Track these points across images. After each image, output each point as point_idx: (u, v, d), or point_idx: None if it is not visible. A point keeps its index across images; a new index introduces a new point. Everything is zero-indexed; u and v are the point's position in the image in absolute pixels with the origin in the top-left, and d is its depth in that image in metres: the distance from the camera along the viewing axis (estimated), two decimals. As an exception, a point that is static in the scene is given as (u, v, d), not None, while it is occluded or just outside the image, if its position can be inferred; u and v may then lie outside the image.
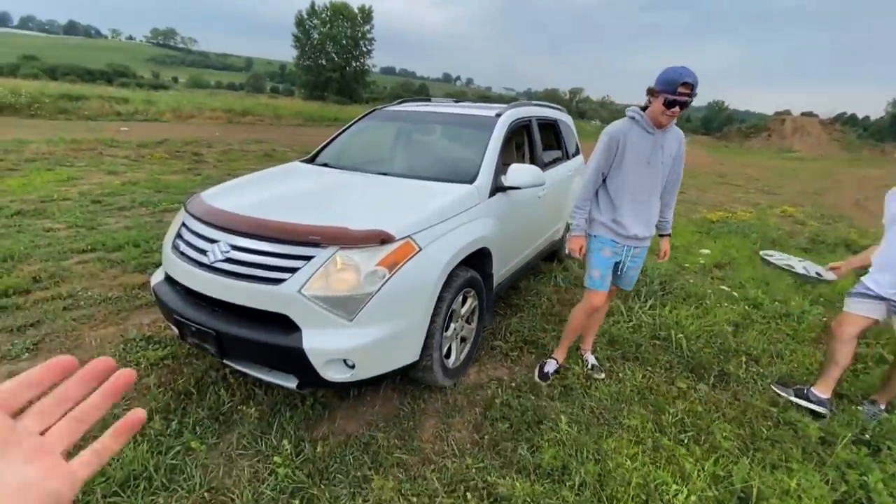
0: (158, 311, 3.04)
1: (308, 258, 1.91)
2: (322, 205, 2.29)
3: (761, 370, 2.89)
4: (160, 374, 2.47)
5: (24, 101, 18.73)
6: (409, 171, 2.86)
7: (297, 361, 1.88)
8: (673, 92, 2.05)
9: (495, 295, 2.96)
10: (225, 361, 2.06)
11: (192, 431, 2.02)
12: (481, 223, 2.56)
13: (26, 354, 2.61)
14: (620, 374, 2.69)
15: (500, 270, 2.96)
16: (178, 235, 2.32)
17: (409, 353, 2.10)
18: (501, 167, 2.92)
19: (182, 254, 2.18)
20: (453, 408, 2.33)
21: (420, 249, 2.07)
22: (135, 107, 21.13)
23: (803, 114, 51.60)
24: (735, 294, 4.10)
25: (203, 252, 2.08)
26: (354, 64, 50.15)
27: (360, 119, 3.63)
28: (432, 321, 2.16)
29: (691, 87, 2.04)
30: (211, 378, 2.41)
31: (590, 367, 2.77)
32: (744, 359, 2.98)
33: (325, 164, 3.14)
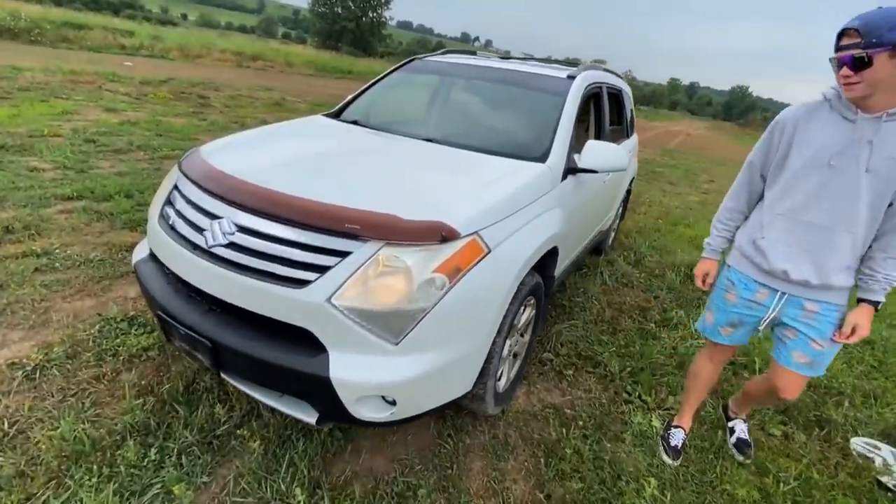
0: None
1: (342, 254, 1.38)
2: (358, 178, 1.72)
3: (857, 413, 2.42)
4: (142, 371, 1.99)
5: (25, 25, 17.75)
6: (462, 140, 2.28)
7: (319, 392, 1.39)
8: (835, 48, 1.37)
9: (552, 295, 2.45)
10: (222, 376, 1.58)
11: (176, 464, 1.55)
12: (554, 215, 2.02)
13: (-21, 330, 2.13)
14: (702, 413, 2.22)
15: (559, 270, 2.45)
16: (168, 202, 1.78)
17: (462, 384, 1.62)
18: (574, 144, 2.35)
19: (171, 228, 1.66)
20: (504, 446, 1.87)
21: (489, 251, 1.54)
22: (140, 41, 20.09)
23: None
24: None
25: (199, 230, 1.55)
26: (371, 14, 47.72)
27: (396, 69, 3.00)
28: (494, 342, 1.66)
29: (857, 34, 1.30)
30: (204, 383, 1.94)
31: (733, 440, 2.05)
32: (837, 398, 2.51)
33: (355, 122, 2.54)
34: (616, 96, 3.67)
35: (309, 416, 1.47)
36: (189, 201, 1.67)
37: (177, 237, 1.61)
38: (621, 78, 4.05)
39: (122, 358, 2.05)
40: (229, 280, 1.43)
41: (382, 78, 2.98)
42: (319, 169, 1.77)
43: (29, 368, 1.94)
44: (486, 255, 1.53)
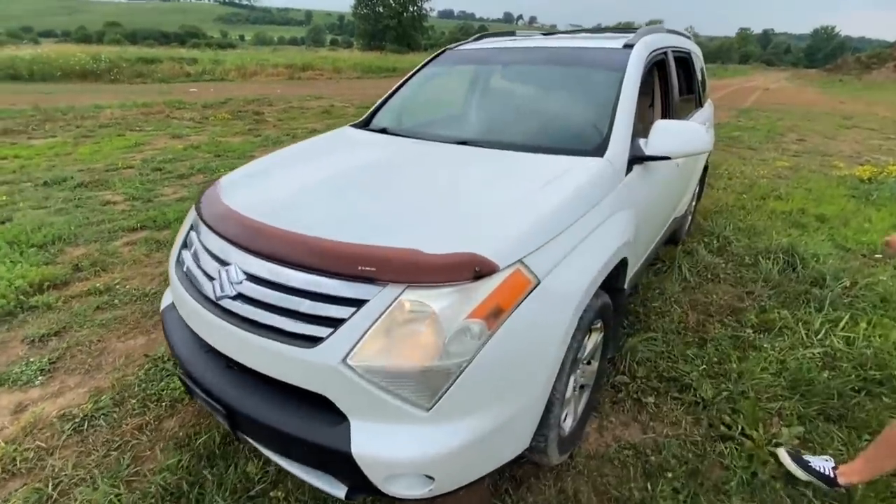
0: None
1: (358, 303, 1.15)
2: (379, 203, 1.47)
3: None
4: (183, 418, 1.92)
5: (105, 66, 19.53)
6: (503, 139, 1.97)
7: (342, 468, 1.18)
8: None
9: (623, 310, 2.08)
10: (242, 438, 1.42)
11: (207, 535, 1.43)
12: (620, 220, 1.66)
13: (39, 379, 2.17)
14: (826, 447, 1.76)
15: (630, 276, 2.07)
16: (185, 244, 1.66)
17: (516, 445, 1.34)
18: (638, 126, 1.96)
19: (186, 275, 1.52)
20: None
21: (538, 282, 1.24)
22: (202, 67, 21.47)
23: (947, 35, 42.17)
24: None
25: (210, 278, 1.40)
26: (412, 9, 47.67)
27: (426, 65, 2.73)
28: (553, 387, 1.37)
29: None
30: (241, 431, 1.82)
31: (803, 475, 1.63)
32: None
33: (384, 130, 2.31)
34: (684, 60, 3.14)
35: (337, 490, 1.26)
36: (202, 244, 1.52)
37: (189, 285, 1.47)
38: (688, 37, 3.49)
39: (164, 403, 2.00)
40: (237, 337, 1.25)
41: (413, 76, 2.72)
42: (336, 197, 1.54)
43: (78, 420, 1.93)
44: (535, 287, 1.23)
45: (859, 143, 9.41)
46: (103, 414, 1.96)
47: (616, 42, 2.25)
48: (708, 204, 4.81)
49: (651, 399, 2.02)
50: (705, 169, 4.02)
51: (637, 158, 1.88)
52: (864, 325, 2.46)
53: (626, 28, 2.84)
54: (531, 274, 1.23)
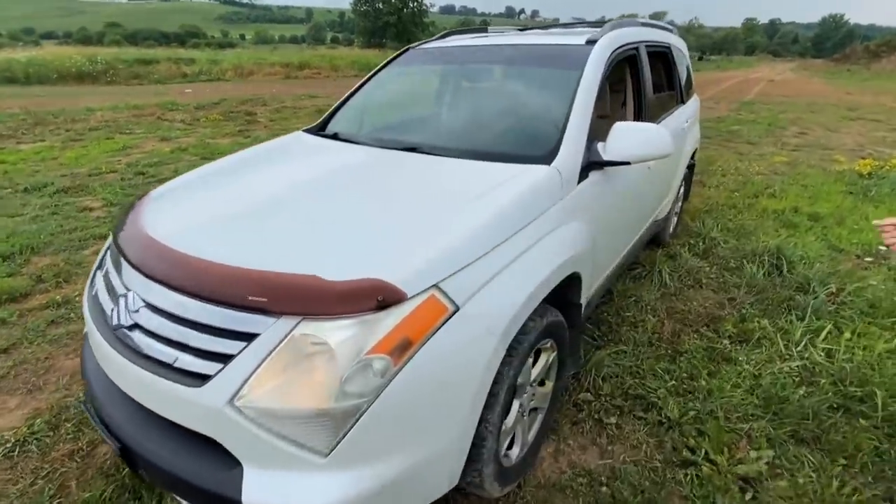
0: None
1: (249, 337, 1.04)
2: (292, 223, 1.35)
3: None
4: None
5: (101, 68, 19.50)
6: (451, 145, 1.84)
7: (238, 516, 1.07)
8: None
9: (583, 326, 1.96)
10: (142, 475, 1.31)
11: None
12: (568, 232, 1.54)
13: (-22, 400, 2.09)
14: (795, 474, 1.63)
15: (592, 289, 1.95)
16: (100, 265, 1.55)
17: (440, 485, 1.22)
18: (598, 127, 1.83)
19: (94, 298, 1.42)
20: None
21: (457, 309, 1.12)
22: (200, 67, 21.42)
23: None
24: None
25: (113, 305, 1.29)
26: (412, 4, 47.35)
27: (387, 64, 2.60)
28: (483, 420, 1.25)
29: None
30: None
31: None
32: None
33: (335, 136, 2.19)
34: (663, 55, 3.00)
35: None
36: (112, 266, 1.42)
37: (93, 310, 1.36)
38: (668, 29, 3.34)
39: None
40: (130, 371, 1.15)
41: (373, 76, 2.60)
42: (252, 215, 1.42)
43: (10, 444, 1.84)
44: (452, 315, 1.11)
45: (863, 135, 9.18)
46: (36, 438, 1.87)
47: (581, 38, 2.11)
48: (698, 203, 4.66)
49: (613, 419, 1.89)
50: (692, 167, 3.88)
51: (594, 164, 1.75)
52: (847, 334, 2.32)
53: (598, 23, 2.70)
54: (448, 300, 1.11)
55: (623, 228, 2.22)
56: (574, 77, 1.87)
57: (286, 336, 1.02)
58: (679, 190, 3.48)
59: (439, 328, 1.08)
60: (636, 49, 2.38)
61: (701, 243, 3.61)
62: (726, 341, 2.36)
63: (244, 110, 11.22)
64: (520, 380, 1.41)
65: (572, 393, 2.04)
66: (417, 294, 1.07)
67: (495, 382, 1.24)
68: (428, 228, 1.25)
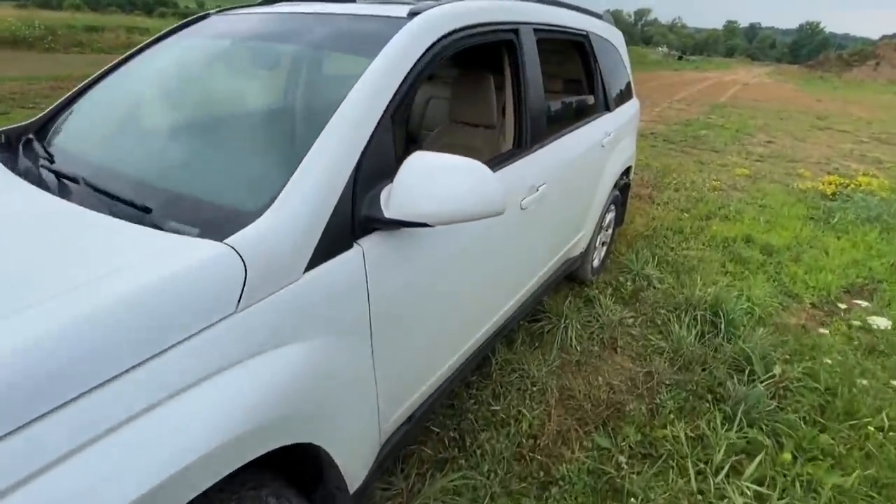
0: None
1: None
2: None
3: None
4: None
5: (38, 33, 17.89)
6: (125, 188, 1.04)
7: None
8: None
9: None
10: None
11: None
12: (267, 372, 0.78)
13: None
14: None
15: (391, 418, 1.21)
16: None
17: None
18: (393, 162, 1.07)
19: None
20: None
21: None
22: (150, 37, 19.86)
23: (926, 35, 42.22)
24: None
25: None
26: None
27: (154, 41, 1.76)
28: None
29: None
30: None
31: None
32: None
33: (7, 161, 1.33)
34: (575, 46, 2.26)
35: None
36: None
37: None
38: (598, 16, 2.61)
39: None
40: None
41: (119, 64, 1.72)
42: None
43: None
44: None
45: (830, 146, 8.77)
46: None
47: (403, 10, 1.33)
48: (640, 225, 3.99)
49: None
50: (626, 188, 3.18)
51: (371, 223, 1.00)
52: (787, 455, 1.65)
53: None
54: None
55: (463, 311, 1.48)
56: (360, 69, 1.10)
57: None
58: (604, 219, 2.77)
59: None
60: (513, 32, 1.61)
61: (630, 283, 2.93)
62: (622, 458, 1.66)
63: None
64: None
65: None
66: None
67: None
68: None
